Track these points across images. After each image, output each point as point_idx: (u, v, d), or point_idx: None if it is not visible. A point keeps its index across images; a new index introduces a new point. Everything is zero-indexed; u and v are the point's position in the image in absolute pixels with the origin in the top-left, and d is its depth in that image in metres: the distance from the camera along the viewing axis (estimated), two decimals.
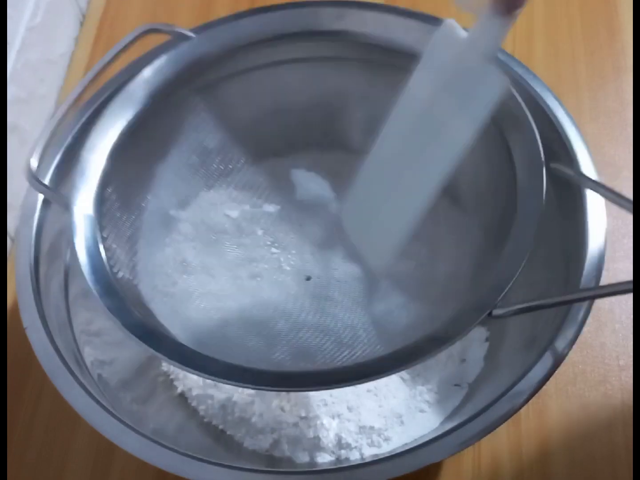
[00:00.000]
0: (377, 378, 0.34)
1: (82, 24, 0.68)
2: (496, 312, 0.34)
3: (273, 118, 0.51)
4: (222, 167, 0.49)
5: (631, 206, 0.34)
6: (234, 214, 0.50)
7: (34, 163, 0.40)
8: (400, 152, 0.40)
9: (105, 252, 0.38)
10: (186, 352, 0.35)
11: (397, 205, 0.41)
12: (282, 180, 0.53)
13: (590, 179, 0.39)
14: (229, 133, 0.48)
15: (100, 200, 0.39)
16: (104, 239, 0.38)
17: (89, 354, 0.42)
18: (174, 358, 0.34)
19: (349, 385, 0.34)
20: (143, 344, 0.35)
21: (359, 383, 0.34)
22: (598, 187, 0.38)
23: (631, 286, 0.32)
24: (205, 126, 0.47)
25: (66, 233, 0.40)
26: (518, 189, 0.38)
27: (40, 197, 0.43)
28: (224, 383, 0.34)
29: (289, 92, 0.49)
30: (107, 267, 0.37)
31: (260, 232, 0.50)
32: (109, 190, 0.40)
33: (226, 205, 0.50)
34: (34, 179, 0.39)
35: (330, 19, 0.45)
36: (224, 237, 0.50)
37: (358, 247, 0.45)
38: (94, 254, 0.37)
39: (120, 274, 0.38)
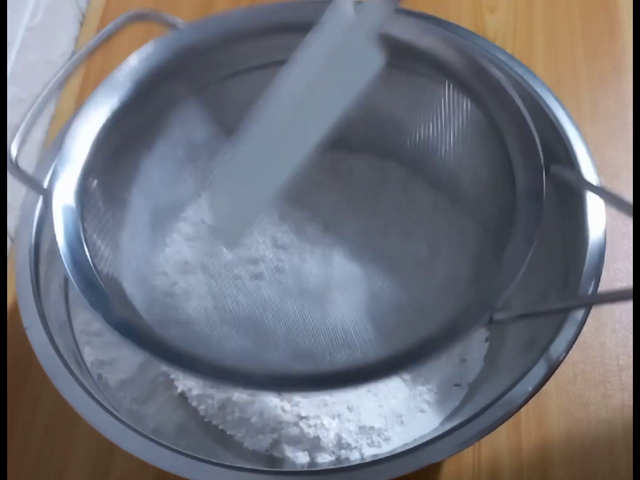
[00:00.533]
0: (374, 382, 0.34)
1: (82, 24, 0.68)
2: (497, 317, 0.34)
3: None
4: (211, 163, 0.48)
5: (631, 209, 0.34)
6: None
7: (14, 150, 0.37)
8: (275, 122, 0.39)
9: (87, 245, 0.37)
10: (172, 349, 0.34)
11: (258, 179, 0.40)
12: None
13: (590, 183, 0.39)
14: (220, 128, 0.47)
15: (83, 191, 0.38)
16: (85, 231, 0.37)
17: (89, 354, 0.42)
18: (159, 355, 0.34)
19: (340, 390, 0.34)
20: (125, 339, 0.34)
21: (355, 387, 0.34)
22: (598, 191, 0.38)
23: (631, 294, 0.31)
24: (194, 119, 0.45)
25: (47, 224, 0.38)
26: (517, 195, 0.38)
27: (41, 197, 0.42)
28: (211, 382, 0.34)
29: None
30: (90, 260, 0.36)
31: (260, 232, 0.50)
32: (92, 181, 0.39)
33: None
34: (13, 166, 0.37)
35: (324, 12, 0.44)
36: None
37: (216, 216, 0.43)
38: (75, 246, 0.36)
39: (102, 268, 0.37)
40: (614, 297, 0.34)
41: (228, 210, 0.41)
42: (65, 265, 0.36)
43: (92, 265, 0.36)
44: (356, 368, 0.34)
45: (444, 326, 0.35)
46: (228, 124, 0.47)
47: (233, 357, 0.40)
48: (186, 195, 0.49)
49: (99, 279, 0.36)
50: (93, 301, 0.35)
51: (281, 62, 0.46)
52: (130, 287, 0.39)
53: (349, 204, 0.51)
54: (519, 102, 0.40)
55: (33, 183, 0.39)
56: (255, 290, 0.50)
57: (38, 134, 0.60)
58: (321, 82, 0.37)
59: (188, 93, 0.44)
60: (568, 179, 0.39)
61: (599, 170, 0.41)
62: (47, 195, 0.38)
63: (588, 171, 0.41)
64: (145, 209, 0.45)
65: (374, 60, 0.36)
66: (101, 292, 0.35)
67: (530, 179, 0.37)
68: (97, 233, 0.38)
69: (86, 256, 0.36)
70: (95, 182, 0.39)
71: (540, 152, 0.38)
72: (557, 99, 0.44)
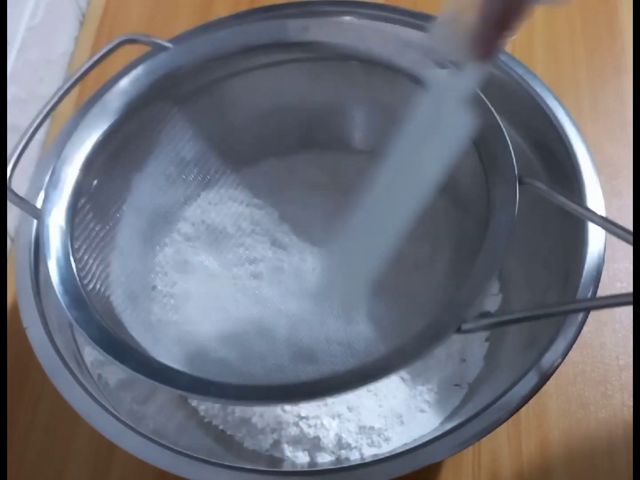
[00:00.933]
0: (333, 395, 0.35)
1: (82, 24, 0.68)
2: (465, 327, 0.34)
3: (270, 119, 0.50)
4: (200, 178, 0.48)
5: (631, 238, 0.34)
6: (234, 214, 0.50)
7: (7, 172, 0.39)
8: (380, 198, 0.40)
9: (77, 263, 0.38)
10: (154, 365, 0.35)
11: (369, 249, 0.41)
12: (282, 180, 0.53)
13: (564, 201, 0.38)
14: (210, 144, 0.47)
15: (73, 212, 0.39)
16: (75, 250, 0.38)
17: (89, 354, 0.42)
18: (140, 371, 0.34)
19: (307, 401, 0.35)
20: (108, 355, 0.35)
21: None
22: (571, 206, 0.37)
23: (631, 299, 0.31)
24: (183, 136, 0.46)
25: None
26: (490, 206, 0.37)
27: (41, 197, 0.42)
28: (189, 397, 0.34)
29: (285, 93, 0.49)
30: (77, 279, 0.37)
31: (260, 232, 0.50)
32: (83, 201, 0.40)
33: (226, 205, 0.51)
34: (5, 188, 0.39)
35: (308, 30, 0.44)
36: (224, 237, 0.50)
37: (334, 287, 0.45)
38: (63, 266, 0.37)
39: (91, 286, 0.38)
40: (613, 301, 0.34)
41: (343, 279, 0.42)
42: (53, 284, 0.37)
43: (79, 284, 0.37)
44: (316, 381, 0.35)
45: (412, 338, 0.35)
46: (217, 139, 0.47)
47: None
48: (183, 199, 0.50)
49: (85, 297, 0.37)
50: (78, 318, 0.36)
51: (285, 62, 0.47)
52: (120, 303, 0.40)
53: (349, 204, 0.51)
54: (495, 114, 0.39)
55: (26, 205, 0.40)
56: (255, 290, 0.50)
57: (39, 134, 0.60)
58: (420, 153, 0.37)
59: (177, 112, 0.45)
60: (541, 192, 0.38)
61: (598, 170, 0.41)
62: (39, 216, 0.39)
63: (588, 171, 0.41)
64: (138, 224, 0.46)
65: (467, 125, 0.36)
66: (87, 309, 0.36)
67: (504, 192, 0.37)
68: (87, 251, 0.39)
69: (74, 275, 0.37)
70: (85, 202, 0.40)
71: (515, 164, 0.38)
72: (557, 99, 0.44)
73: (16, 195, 0.39)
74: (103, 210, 0.42)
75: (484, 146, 0.39)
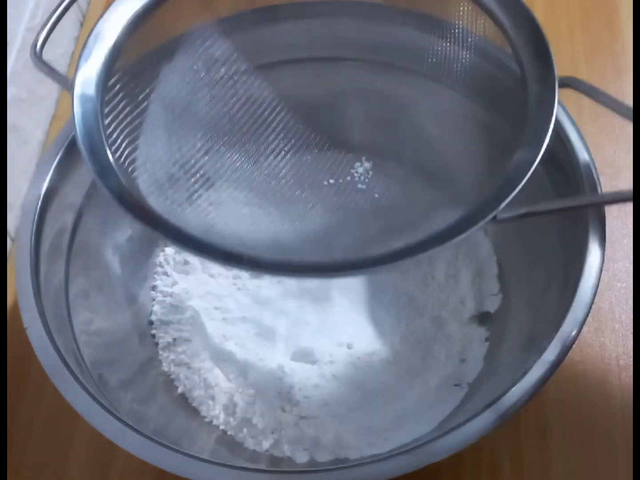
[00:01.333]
0: (374, 271, 0.34)
1: (82, 24, 0.68)
2: (501, 215, 0.34)
3: (272, 117, 0.50)
4: (227, 77, 0.47)
5: (631, 114, 0.34)
6: (234, 214, 0.50)
7: (39, 43, 0.39)
8: None
9: (106, 137, 0.37)
10: (186, 234, 0.35)
11: None
12: (281, 180, 0.53)
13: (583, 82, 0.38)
14: (237, 47, 0.46)
15: (104, 88, 0.38)
16: (105, 126, 0.37)
17: (89, 354, 0.42)
18: (174, 238, 0.34)
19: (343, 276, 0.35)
20: (143, 223, 0.35)
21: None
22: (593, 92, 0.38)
23: (631, 195, 0.33)
24: (213, 33, 0.45)
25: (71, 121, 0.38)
26: (529, 107, 0.37)
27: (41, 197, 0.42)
28: (209, 260, 0.35)
29: (286, 92, 0.49)
30: (108, 150, 0.36)
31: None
32: (113, 80, 0.39)
33: (226, 205, 0.50)
34: (37, 58, 0.39)
35: None
36: None
37: None
38: (94, 134, 0.36)
39: (120, 161, 0.37)
40: (618, 197, 0.37)
41: None
42: (82, 149, 0.36)
43: (110, 153, 0.36)
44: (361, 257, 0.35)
45: (450, 224, 0.35)
46: (248, 46, 0.46)
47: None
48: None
49: (115, 167, 0.36)
50: (109, 186, 0.35)
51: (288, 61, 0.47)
52: (145, 187, 0.39)
53: (348, 204, 0.51)
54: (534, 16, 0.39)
55: (54, 74, 0.39)
56: (255, 290, 0.50)
57: (39, 134, 0.60)
58: None
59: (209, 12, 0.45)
60: (582, 89, 0.38)
61: (598, 170, 0.41)
62: (67, 84, 0.38)
63: (588, 172, 0.41)
64: (163, 117, 0.44)
65: None
66: (117, 177, 0.36)
67: (543, 91, 0.38)
68: (115, 130, 0.39)
69: (105, 145, 0.37)
70: (115, 82, 0.40)
71: (554, 64, 0.38)
72: (558, 99, 0.44)
73: (46, 64, 0.39)
74: (132, 94, 0.41)
75: (522, 47, 0.39)
